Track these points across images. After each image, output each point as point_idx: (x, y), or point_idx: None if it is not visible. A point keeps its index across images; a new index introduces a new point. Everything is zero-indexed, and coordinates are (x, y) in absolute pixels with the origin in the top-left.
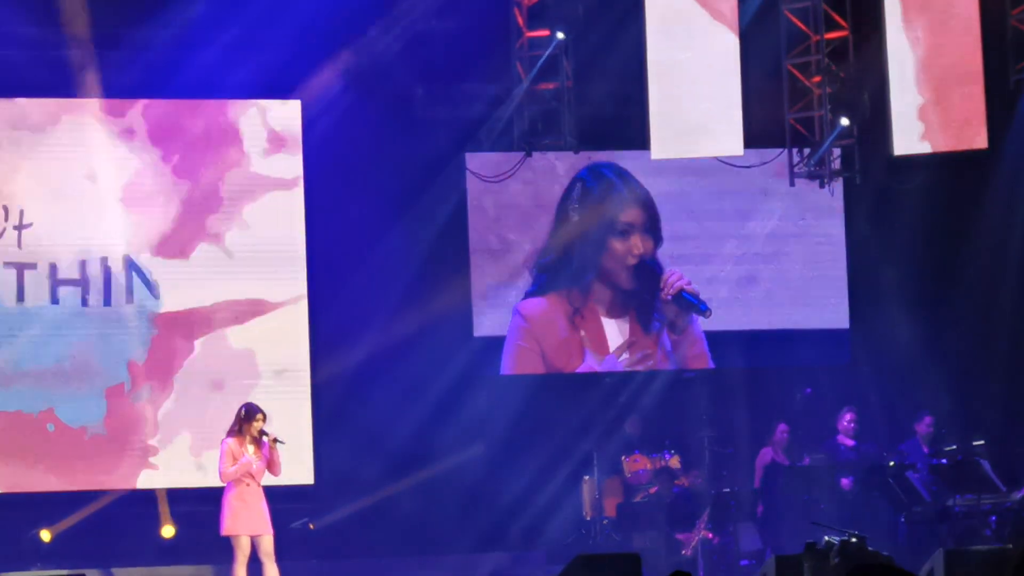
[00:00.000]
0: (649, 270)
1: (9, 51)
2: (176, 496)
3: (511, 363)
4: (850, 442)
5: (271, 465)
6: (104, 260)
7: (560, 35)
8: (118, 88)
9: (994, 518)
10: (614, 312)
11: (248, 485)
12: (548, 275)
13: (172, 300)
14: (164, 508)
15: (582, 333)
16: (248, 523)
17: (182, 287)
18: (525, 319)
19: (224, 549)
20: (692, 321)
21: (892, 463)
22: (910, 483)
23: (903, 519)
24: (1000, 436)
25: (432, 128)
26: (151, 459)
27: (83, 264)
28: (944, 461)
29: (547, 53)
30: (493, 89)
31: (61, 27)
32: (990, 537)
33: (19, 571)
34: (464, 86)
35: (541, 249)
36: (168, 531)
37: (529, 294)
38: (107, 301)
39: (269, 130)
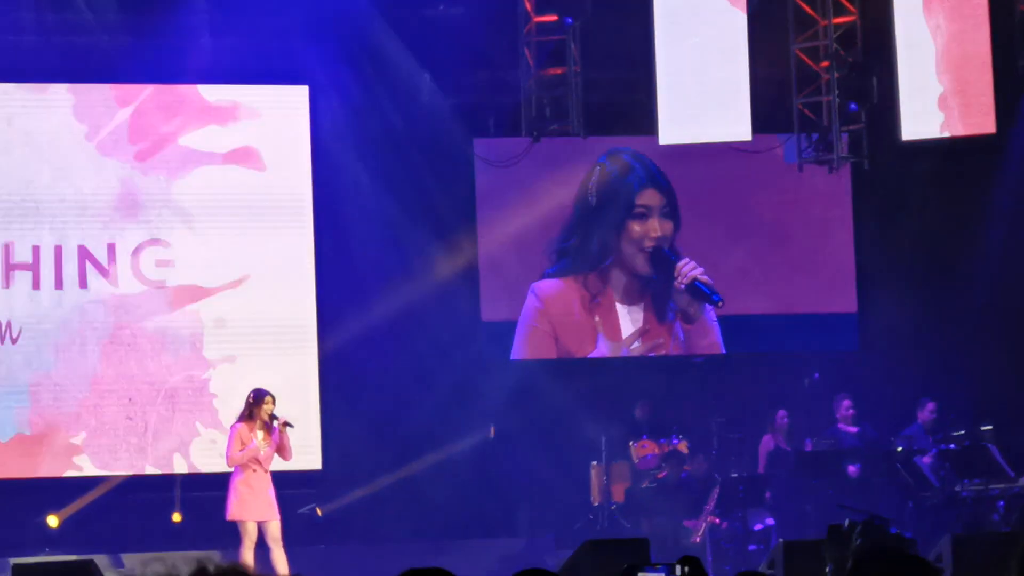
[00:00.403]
0: (665, 258)
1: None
2: (184, 481)
3: (524, 344)
4: (852, 428)
5: (281, 450)
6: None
7: (568, 20)
8: (124, 73)
9: (1002, 503)
10: (630, 299)
11: (255, 471)
12: (567, 259)
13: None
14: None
15: (596, 319)
16: (254, 509)
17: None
18: (540, 300)
19: (232, 534)
20: (705, 311)
21: (900, 448)
22: (918, 468)
23: (911, 505)
24: (1008, 421)
25: (440, 114)
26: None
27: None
28: (952, 446)
29: (555, 39)
30: (501, 75)
31: (64, 13)
32: (998, 522)
33: (28, 556)
34: (472, 72)
35: (561, 233)
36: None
37: (547, 275)
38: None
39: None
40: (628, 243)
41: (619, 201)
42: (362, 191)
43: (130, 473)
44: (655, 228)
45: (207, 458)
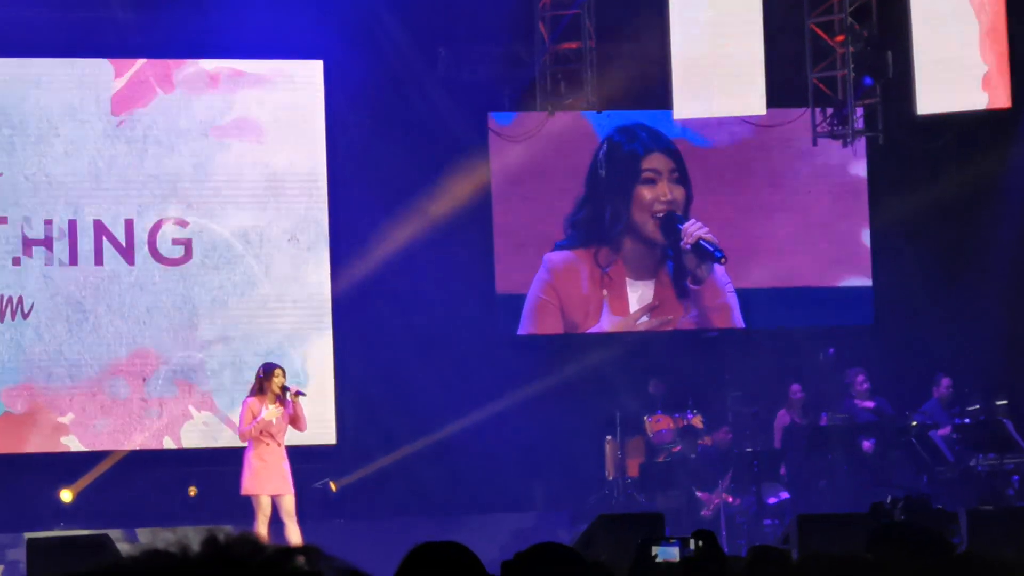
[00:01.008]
0: (673, 220)
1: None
2: (198, 456)
3: (530, 315)
4: (868, 403)
5: (296, 420)
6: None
7: None
8: (137, 48)
9: (1017, 478)
10: (641, 273)
11: (268, 445)
12: (578, 231)
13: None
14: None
15: (604, 292)
16: (268, 483)
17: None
18: (549, 271)
19: (247, 509)
20: (713, 272)
21: (915, 423)
22: (933, 443)
23: (926, 479)
24: None
25: (455, 88)
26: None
27: None
28: (967, 421)
29: (570, 13)
30: (516, 49)
31: None
32: (1013, 497)
33: (42, 531)
34: (487, 46)
35: (573, 207)
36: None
37: (559, 247)
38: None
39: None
40: (639, 210)
41: (627, 167)
42: (376, 165)
43: (141, 447)
44: (665, 193)
45: (220, 433)
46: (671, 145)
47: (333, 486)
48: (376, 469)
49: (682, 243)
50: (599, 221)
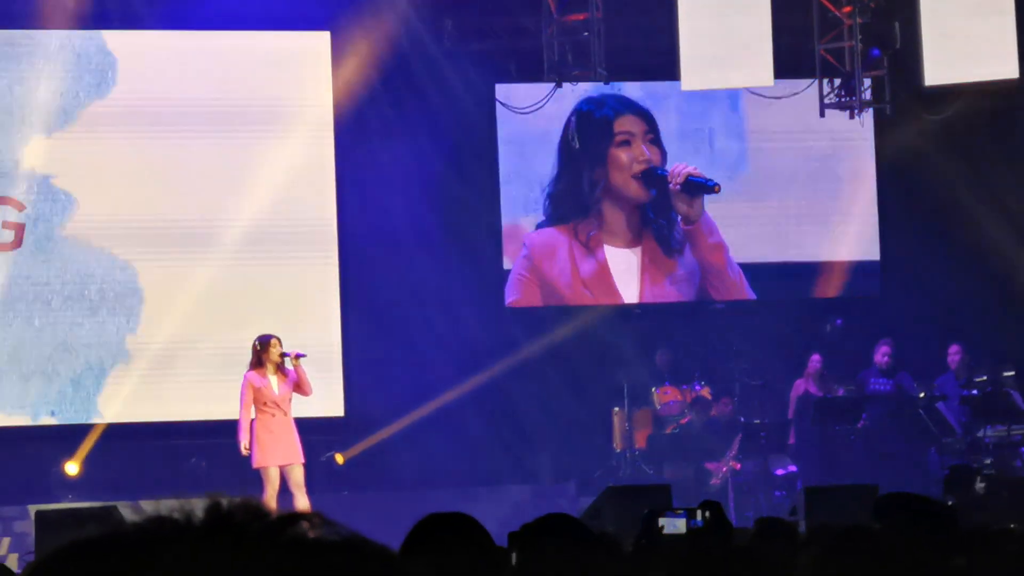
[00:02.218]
0: (658, 175)
1: None
2: (206, 428)
3: (512, 291)
4: (885, 381)
5: (300, 385)
6: None
7: None
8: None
9: None
10: (626, 239)
11: (274, 416)
12: (556, 207)
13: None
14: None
15: (584, 265)
16: (276, 454)
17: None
18: (528, 248)
19: (256, 481)
20: (704, 213)
21: (923, 394)
22: (940, 414)
23: (933, 450)
24: None
25: (462, 60)
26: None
27: None
28: (974, 392)
29: None
30: (523, 20)
31: None
32: (1020, 468)
33: (49, 503)
34: (494, 17)
35: (550, 182)
36: (72, 468)
37: (539, 226)
38: None
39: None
40: (617, 172)
41: (600, 133)
42: (384, 137)
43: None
44: (642, 153)
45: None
46: (642, 107)
47: (340, 458)
48: (383, 441)
49: (671, 185)
50: (575, 193)
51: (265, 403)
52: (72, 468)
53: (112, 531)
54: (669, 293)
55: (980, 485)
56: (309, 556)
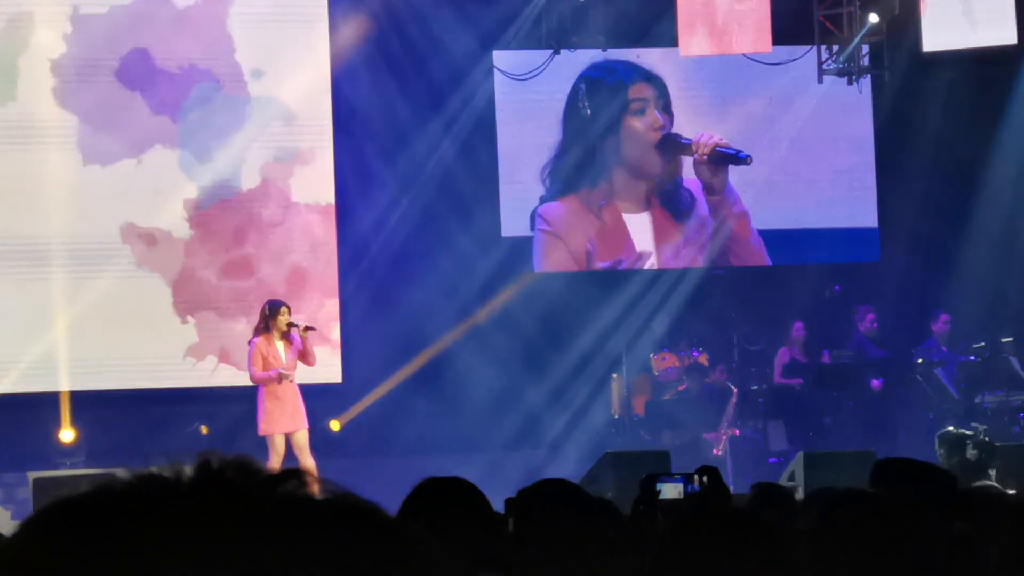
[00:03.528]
0: (677, 142)
1: None
2: (209, 394)
3: (541, 260)
4: (876, 343)
5: (305, 355)
6: None
7: None
8: None
9: (1022, 415)
10: (637, 205)
11: (279, 383)
12: (565, 177)
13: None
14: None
15: (604, 233)
16: (282, 421)
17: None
18: (547, 222)
19: (258, 448)
20: (727, 181)
21: (920, 360)
22: (939, 380)
23: (931, 416)
24: None
25: (460, 26)
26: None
27: None
28: (973, 358)
29: None
30: None
31: None
32: (1019, 434)
33: (47, 470)
34: None
35: (555, 154)
36: (68, 436)
37: (544, 200)
38: None
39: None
40: (631, 143)
41: (612, 100)
42: (381, 103)
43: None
44: (656, 120)
45: (225, 371)
46: (653, 73)
47: (336, 425)
48: (380, 408)
49: (697, 156)
50: (588, 163)
51: (271, 369)
52: (67, 435)
53: (101, 488)
54: (685, 257)
55: (972, 452)
56: (300, 512)
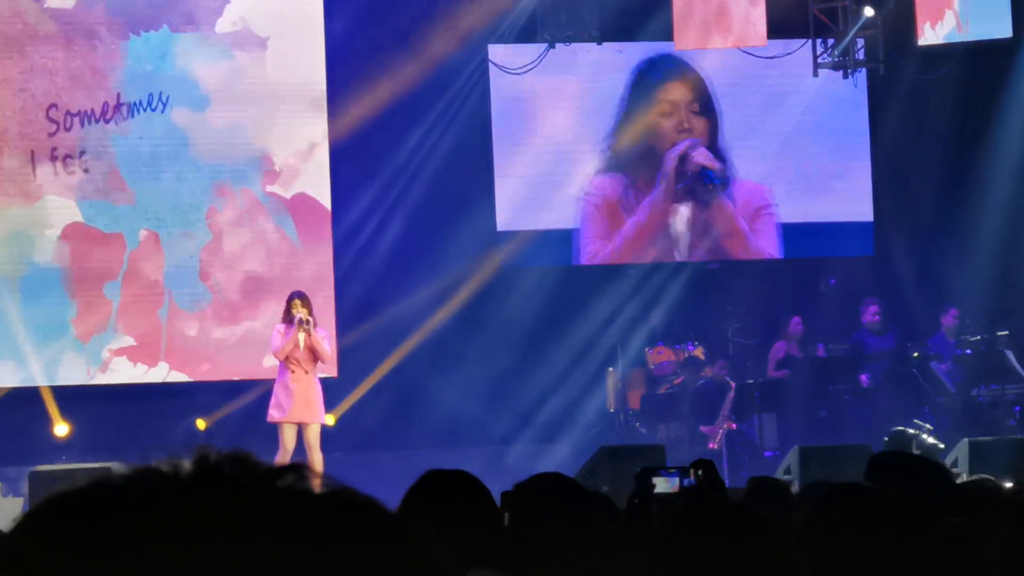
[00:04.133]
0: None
1: None
2: (204, 389)
3: (589, 247)
4: (883, 338)
5: (312, 351)
6: None
7: None
8: None
9: (1018, 408)
10: (678, 197)
11: (294, 372)
12: (614, 159)
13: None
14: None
15: (650, 221)
16: (290, 411)
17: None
18: (598, 197)
19: (260, 444)
20: (730, 197)
21: (916, 354)
22: (934, 373)
23: (927, 410)
24: None
25: (455, 19)
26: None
27: None
28: (968, 351)
29: None
30: None
31: None
32: (1014, 427)
33: (44, 464)
34: None
35: (610, 141)
36: (62, 430)
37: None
38: None
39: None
40: (659, 140)
41: (647, 98)
42: (376, 97)
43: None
44: (682, 124)
45: (228, 364)
46: (695, 75)
47: (331, 419)
48: (378, 402)
49: (672, 165)
50: (633, 151)
51: (288, 358)
52: (61, 429)
53: (98, 482)
54: (717, 249)
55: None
56: (298, 507)
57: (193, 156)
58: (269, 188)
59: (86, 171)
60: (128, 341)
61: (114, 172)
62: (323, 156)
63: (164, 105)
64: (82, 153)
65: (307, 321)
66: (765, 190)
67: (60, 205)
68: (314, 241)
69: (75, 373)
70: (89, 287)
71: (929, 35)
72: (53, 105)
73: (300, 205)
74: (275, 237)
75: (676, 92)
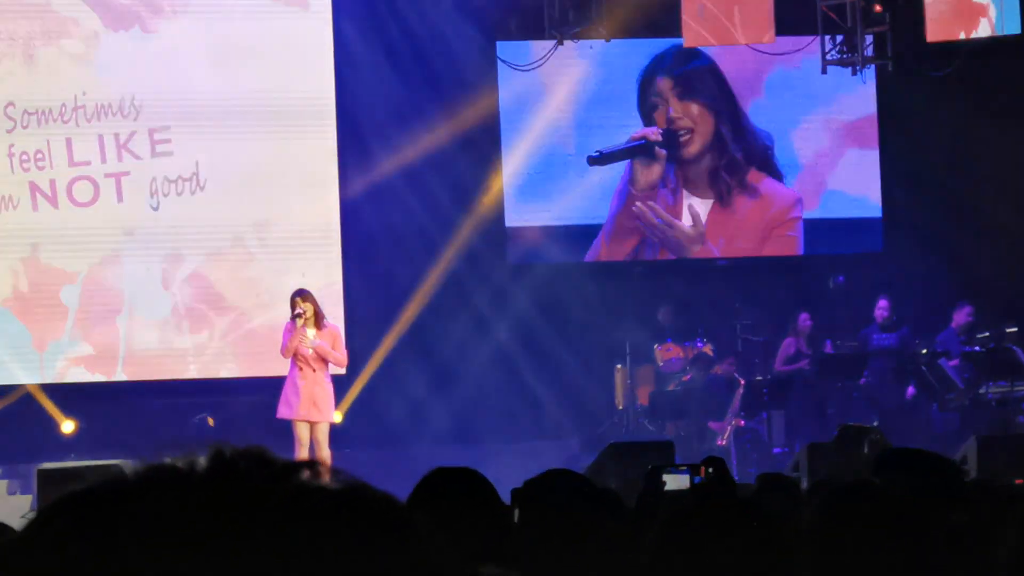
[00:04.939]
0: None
1: None
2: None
3: (596, 245)
4: (892, 335)
5: (324, 352)
6: None
7: None
8: None
9: None
10: (696, 188)
11: (302, 369)
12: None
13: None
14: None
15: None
16: (298, 409)
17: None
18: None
19: (272, 440)
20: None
21: (924, 351)
22: (943, 370)
23: (936, 407)
24: None
25: (464, 16)
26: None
27: None
28: (977, 348)
29: None
30: None
31: None
32: (1022, 424)
33: (52, 462)
34: None
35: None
36: (68, 427)
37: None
38: None
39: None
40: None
41: (644, 93)
42: (385, 95)
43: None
44: (678, 113)
45: (232, 363)
46: (674, 66)
47: (338, 416)
48: (385, 399)
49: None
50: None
51: (296, 356)
52: (68, 427)
53: (112, 480)
54: (740, 247)
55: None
56: (312, 503)
57: None
58: None
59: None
60: (87, 350)
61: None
62: (331, 154)
63: (138, 112)
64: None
65: (299, 315)
66: (795, 198)
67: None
68: (322, 238)
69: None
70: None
71: (938, 31)
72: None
73: None
74: None
75: (662, 85)
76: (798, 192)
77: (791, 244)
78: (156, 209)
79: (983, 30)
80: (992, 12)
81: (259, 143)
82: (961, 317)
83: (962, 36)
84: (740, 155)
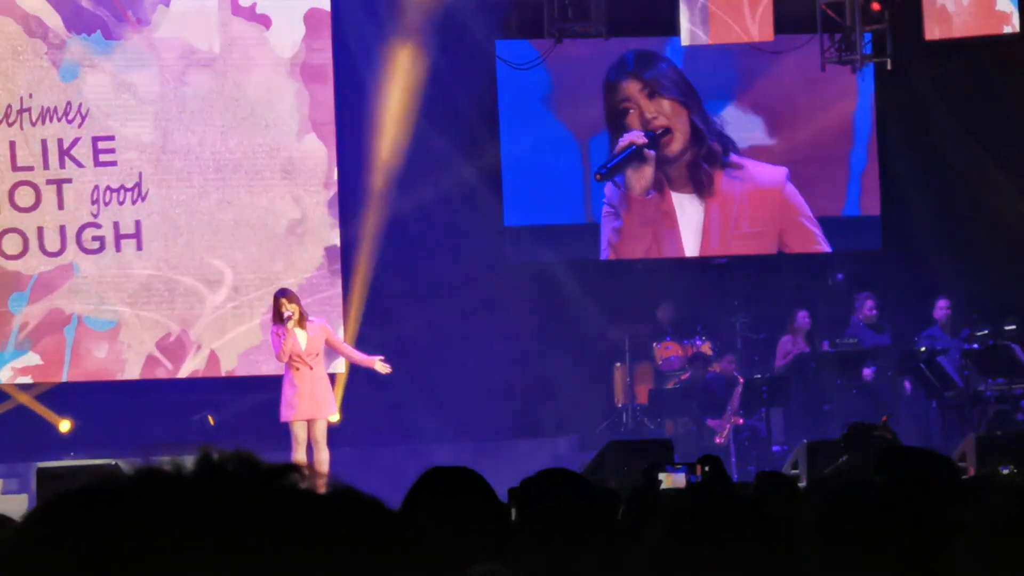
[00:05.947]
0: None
1: None
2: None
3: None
4: (879, 333)
5: (334, 348)
6: None
7: None
8: None
9: None
10: (682, 186)
11: (299, 369)
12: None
13: None
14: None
15: (658, 217)
16: (299, 408)
17: None
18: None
19: (271, 439)
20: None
21: (923, 348)
22: (942, 368)
23: (934, 404)
24: None
25: (462, 15)
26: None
27: None
28: (975, 346)
29: None
30: None
31: None
32: (1022, 421)
33: (51, 460)
34: None
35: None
36: (65, 426)
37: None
38: None
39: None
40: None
41: (613, 98)
42: (382, 94)
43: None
44: (650, 111)
45: (237, 361)
46: (638, 67)
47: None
48: (385, 396)
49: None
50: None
51: (290, 356)
52: (64, 426)
53: (102, 481)
54: (737, 245)
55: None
56: (299, 507)
57: None
58: None
59: None
60: (34, 359)
61: None
62: (330, 152)
63: (84, 118)
64: None
65: (288, 317)
66: (783, 172)
67: None
68: (320, 236)
69: None
70: None
71: (936, 30)
72: None
73: None
74: None
75: (630, 88)
76: (785, 169)
77: (810, 239)
78: (96, 216)
79: (1006, 30)
80: (1015, 16)
81: (252, 142)
82: (938, 312)
83: (960, 34)
84: (717, 145)
